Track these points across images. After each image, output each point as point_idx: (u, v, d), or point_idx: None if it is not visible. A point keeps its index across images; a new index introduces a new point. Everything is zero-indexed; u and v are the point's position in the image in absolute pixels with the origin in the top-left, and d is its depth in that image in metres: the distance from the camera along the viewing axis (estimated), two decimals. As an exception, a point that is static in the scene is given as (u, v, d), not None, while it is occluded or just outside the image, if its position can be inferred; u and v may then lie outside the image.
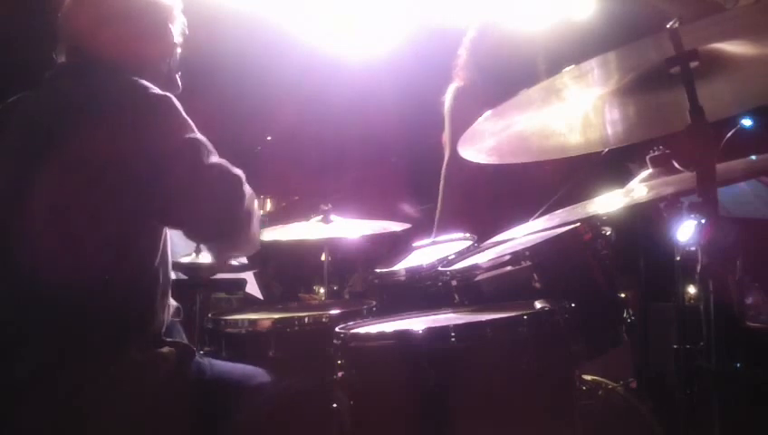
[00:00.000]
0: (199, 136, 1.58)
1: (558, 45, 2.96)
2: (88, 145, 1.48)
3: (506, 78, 2.75)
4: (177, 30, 1.80)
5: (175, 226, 1.66)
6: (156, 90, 1.58)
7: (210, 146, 1.59)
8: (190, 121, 1.58)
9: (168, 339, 1.66)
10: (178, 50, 1.81)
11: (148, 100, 1.56)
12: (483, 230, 2.23)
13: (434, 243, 2.47)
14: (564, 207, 1.85)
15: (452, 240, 2.39)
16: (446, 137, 2.97)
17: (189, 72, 1.88)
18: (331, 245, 3.03)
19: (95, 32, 1.66)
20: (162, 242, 1.64)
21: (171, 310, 1.73)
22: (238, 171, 1.62)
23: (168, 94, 1.59)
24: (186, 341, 1.80)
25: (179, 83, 1.82)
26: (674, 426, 1.92)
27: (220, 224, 1.60)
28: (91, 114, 1.53)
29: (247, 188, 1.63)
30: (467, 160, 1.75)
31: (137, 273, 1.57)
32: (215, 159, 1.58)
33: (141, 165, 1.50)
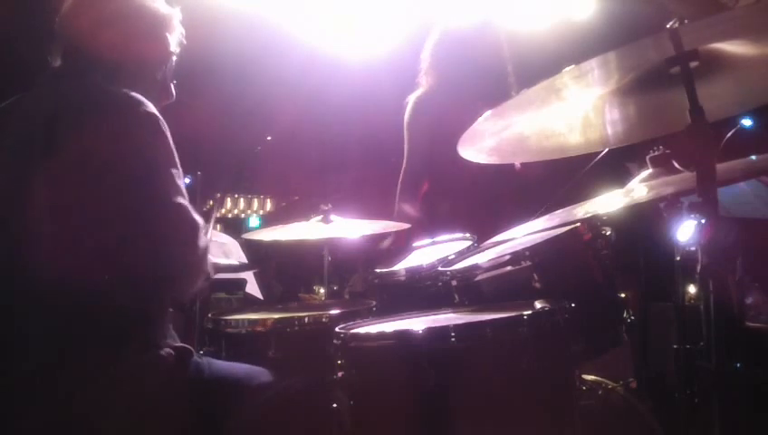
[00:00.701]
0: (173, 169, 1.56)
1: (523, 51, 2.94)
2: (87, 146, 1.49)
3: (465, 85, 2.75)
4: (175, 40, 1.80)
5: (129, 257, 1.55)
6: (148, 108, 1.57)
7: (182, 186, 1.57)
8: (172, 149, 1.57)
9: (168, 340, 1.66)
10: (174, 59, 1.81)
11: (137, 117, 1.55)
12: (482, 230, 2.23)
13: (434, 243, 2.47)
14: (564, 207, 1.85)
15: (452, 240, 2.39)
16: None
17: (189, 72, 1.88)
18: (331, 245, 3.03)
19: (94, 34, 1.67)
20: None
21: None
22: (199, 218, 1.60)
23: (157, 115, 1.58)
24: (179, 342, 1.79)
25: (173, 92, 1.83)
26: (674, 426, 1.92)
27: (170, 263, 1.56)
28: (90, 116, 1.53)
29: (203, 238, 1.60)
30: (468, 160, 1.75)
31: (136, 272, 1.57)
32: (181, 199, 1.56)
33: (141, 163, 1.51)
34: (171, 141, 1.58)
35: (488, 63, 2.82)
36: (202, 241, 1.60)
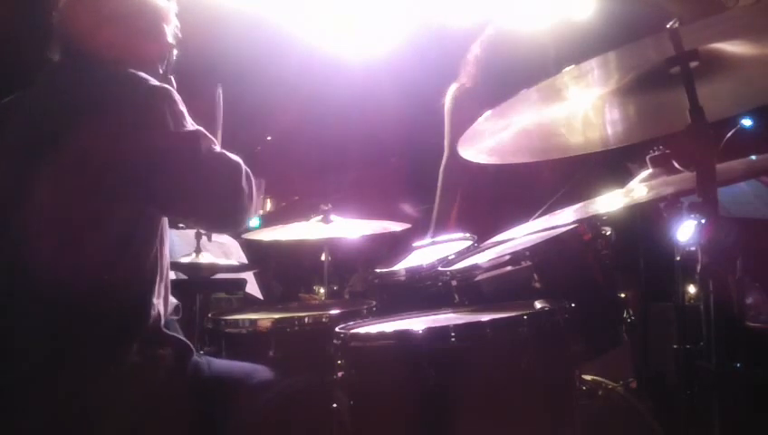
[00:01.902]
0: (196, 128, 1.61)
1: (559, 45, 2.95)
2: (88, 144, 1.49)
3: (510, 80, 2.75)
4: (171, 32, 1.80)
5: (177, 217, 1.74)
6: (154, 81, 1.60)
7: (208, 136, 1.62)
8: (186, 114, 1.61)
9: (168, 332, 1.66)
10: (174, 51, 1.82)
11: (147, 91, 1.57)
12: (483, 230, 2.23)
13: (434, 243, 2.47)
14: (564, 207, 1.85)
15: (452, 240, 2.39)
16: (446, 138, 2.97)
17: (189, 72, 1.88)
18: (331, 245, 3.03)
19: (93, 31, 1.67)
20: (160, 241, 1.64)
21: (170, 308, 1.73)
22: (236, 159, 1.65)
23: (166, 86, 1.61)
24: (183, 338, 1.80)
25: (174, 84, 1.83)
26: (674, 426, 1.92)
27: (221, 213, 1.65)
28: (91, 113, 1.53)
29: (246, 175, 1.65)
30: (468, 160, 1.75)
31: (136, 272, 1.57)
32: (212, 149, 1.61)
33: (141, 162, 1.51)
34: (182, 108, 1.61)
35: (535, 67, 2.83)
36: (245, 175, 1.64)
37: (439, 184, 2.94)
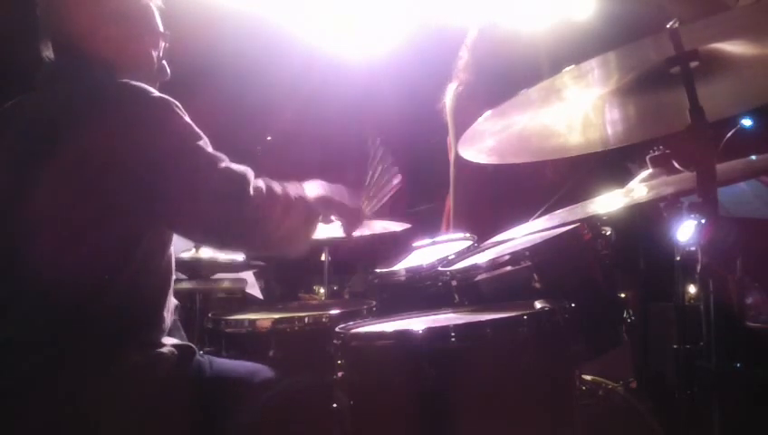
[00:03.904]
0: (199, 142, 1.56)
1: (558, 45, 2.95)
2: (89, 147, 1.48)
3: (506, 79, 2.75)
4: (159, 19, 1.78)
5: (181, 233, 1.66)
6: (156, 93, 1.58)
7: (210, 149, 1.57)
8: (191, 124, 1.57)
9: (169, 338, 1.66)
10: (167, 37, 1.79)
11: (149, 103, 1.55)
12: (483, 230, 2.23)
13: (434, 243, 2.47)
14: (564, 207, 1.85)
15: (452, 240, 2.39)
16: (450, 138, 2.98)
17: (189, 72, 1.87)
18: (331, 245, 3.03)
19: (93, 30, 1.66)
20: (167, 243, 1.64)
21: (172, 308, 1.73)
22: (242, 170, 1.58)
23: (168, 98, 1.58)
24: (185, 339, 1.80)
25: (167, 70, 1.80)
26: (674, 426, 1.92)
27: (225, 228, 1.57)
28: (92, 116, 1.53)
29: (254, 187, 1.57)
30: (468, 160, 1.75)
31: (140, 274, 1.57)
32: (216, 160, 1.56)
33: (142, 167, 1.50)
34: (186, 119, 1.57)
35: (524, 63, 2.83)
36: (252, 187, 1.56)
37: (452, 184, 2.94)
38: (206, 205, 1.53)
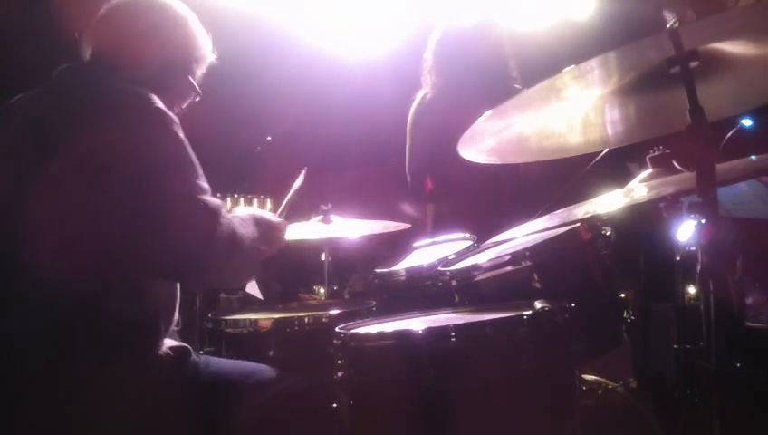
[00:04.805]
0: (184, 164, 1.53)
1: (523, 51, 2.96)
2: (88, 146, 1.48)
3: (467, 85, 2.76)
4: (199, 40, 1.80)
5: (143, 256, 1.52)
6: (158, 104, 1.56)
7: (195, 178, 1.53)
8: (185, 146, 1.55)
9: (165, 340, 1.66)
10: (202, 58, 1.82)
11: (149, 110, 1.55)
12: (483, 230, 2.23)
13: (434, 243, 2.47)
14: (564, 207, 1.85)
15: (452, 240, 2.39)
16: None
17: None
18: (330, 245, 3.03)
19: (125, 47, 1.67)
20: None
21: (175, 318, 1.72)
22: (216, 205, 1.54)
23: (168, 113, 1.57)
24: (179, 340, 1.80)
25: (198, 89, 1.82)
26: (674, 426, 1.92)
27: (184, 260, 1.52)
28: (91, 116, 1.53)
29: (224, 225, 1.54)
30: (468, 160, 1.75)
31: (150, 286, 1.57)
32: (195, 190, 1.52)
33: (140, 167, 1.50)
34: (182, 137, 1.55)
35: (489, 63, 2.82)
36: (222, 226, 1.53)
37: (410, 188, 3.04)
38: (173, 232, 1.49)
